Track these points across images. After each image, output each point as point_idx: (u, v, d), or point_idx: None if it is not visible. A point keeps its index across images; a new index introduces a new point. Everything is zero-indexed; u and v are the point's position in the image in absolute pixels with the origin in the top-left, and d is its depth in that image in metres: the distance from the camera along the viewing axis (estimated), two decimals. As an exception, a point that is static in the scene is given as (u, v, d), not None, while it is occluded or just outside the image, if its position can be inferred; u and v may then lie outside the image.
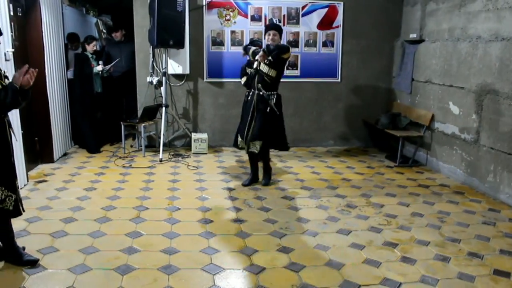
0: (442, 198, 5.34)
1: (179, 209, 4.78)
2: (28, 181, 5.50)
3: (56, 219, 4.40)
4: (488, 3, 5.44)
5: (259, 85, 5.24)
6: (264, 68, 5.21)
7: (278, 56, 5.13)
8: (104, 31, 12.32)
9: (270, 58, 5.11)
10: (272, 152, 7.13)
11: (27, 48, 5.98)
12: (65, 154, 6.90)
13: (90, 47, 7.06)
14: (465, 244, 4.08)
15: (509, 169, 5.10)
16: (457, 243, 4.10)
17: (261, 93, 5.24)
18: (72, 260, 3.57)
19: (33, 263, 3.48)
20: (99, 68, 7.04)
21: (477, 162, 5.64)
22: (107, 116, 7.57)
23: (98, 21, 12.04)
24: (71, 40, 7.42)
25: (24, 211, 3.61)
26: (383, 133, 7.24)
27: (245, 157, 6.93)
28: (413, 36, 7.06)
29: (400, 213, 4.81)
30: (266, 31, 5.62)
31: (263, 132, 5.27)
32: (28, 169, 5.69)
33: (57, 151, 6.56)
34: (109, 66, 7.23)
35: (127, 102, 7.81)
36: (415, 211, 4.87)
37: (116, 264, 3.53)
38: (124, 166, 6.35)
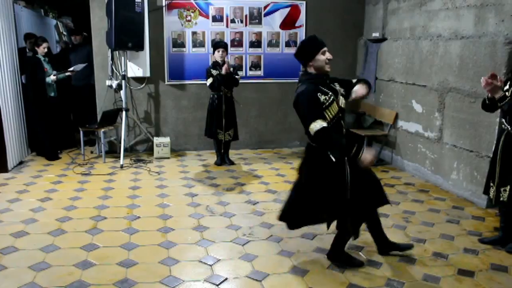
0: (407, 197, 5.32)
1: (139, 217, 4.59)
2: (-22, 193, 5.22)
3: (6, 233, 4.14)
4: (447, 2, 5.45)
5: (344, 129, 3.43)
6: (343, 102, 3.41)
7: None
8: (65, 33, 11.97)
9: (341, 90, 3.43)
10: (237, 155, 7.02)
11: (-25, 53, 5.69)
12: (20, 163, 6.59)
13: (41, 49, 6.71)
14: (430, 244, 4.06)
15: (471, 166, 5.12)
16: (422, 243, 4.07)
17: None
18: (20, 279, 3.34)
19: (-23, 284, 3.25)
20: (52, 78, 6.73)
21: (441, 160, 5.66)
22: (61, 121, 7.27)
23: (58, 23, 11.67)
24: (29, 39, 7.14)
25: None
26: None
27: (210, 160, 6.82)
28: (375, 35, 7.06)
29: (366, 214, 4.75)
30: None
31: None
32: (-21, 180, 5.40)
33: (11, 160, 6.24)
34: (62, 74, 6.88)
35: (83, 108, 7.58)
36: (380, 212, 4.72)
37: (68, 281, 3.33)
38: (83, 174, 6.10)
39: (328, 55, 3.31)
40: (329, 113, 3.24)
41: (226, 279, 3.41)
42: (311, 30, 7.46)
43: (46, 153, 6.85)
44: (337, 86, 3.40)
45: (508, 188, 3.76)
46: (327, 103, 3.24)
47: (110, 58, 7.00)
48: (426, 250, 3.93)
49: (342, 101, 3.37)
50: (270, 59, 7.46)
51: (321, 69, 3.32)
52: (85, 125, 6.87)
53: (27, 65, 6.66)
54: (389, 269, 3.58)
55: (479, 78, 4.86)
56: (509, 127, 3.73)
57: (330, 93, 3.28)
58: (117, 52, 6.90)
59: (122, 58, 6.84)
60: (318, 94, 3.23)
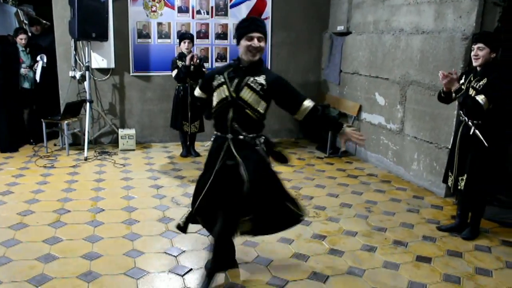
0: (370, 187, 5.45)
1: (103, 210, 4.55)
2: None
3: (-36, 227, 4.05)
4: (409, -4, 5.58)
5: (235, 123, 3.00)
6: (248, 95, 2.95)
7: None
8: (26, 22, 11.61)
9: (263, 81, 2.96)
10: (203, 146, 7.02)
11: None
12: (-21, 155, 6.42)
13: (19, 40, 6.60)
14: (390, 232, 4.18)
15: (431, 157, 5.28)
16: (383, 232, 4.19)
17: (240, 136, 3.03)
18: (-20, 273, 3.29)
19: None
20: (23, 72, 6.56)
21: (402, 151, 5.81)
22: (35, 114, 7.10)
23: (19, 11, 11.32)
24: None
25: None
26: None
27: (176, 152, 6.80)
28: (340, 28, 7.15)
29: (329, 204, 4.85)
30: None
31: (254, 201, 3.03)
32: None
33: (-31, 153, 6.08)
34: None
35: (45, 99, 7.39)
36: (344, 202, 4.94)
37: (30, 275, 3.28)
38: (45, 166, 5.98)
39: (254, 42, 2.88)
40: (216, 96, 3.00)
41: (191, 269, 3.43)
42: (277, 22, 7.51)
43: (1, 144, 6.66)
44: (259, 80, 2.95)
45: (465, 177, 3.91)
46: (216, 85, 3.00)
47: (73, 48, 6.86)
48: (386, 239, 4.05)
49: (247, 93, 2.94)
50: (236, 51, 7.38)
51: (242, 55, 2.98)
52: (48, 117, 6.71)
53: (4, 53, 6.52)
54: (351, 257, 3.67)
55: (438, 72, 5.02)
56: (466, 118, 3.88)
57: (223, 77, 2.99)
58: (80, 42, 6.77)
59: (86, 48, 6.71)
60: (216, 74, 3.04)
